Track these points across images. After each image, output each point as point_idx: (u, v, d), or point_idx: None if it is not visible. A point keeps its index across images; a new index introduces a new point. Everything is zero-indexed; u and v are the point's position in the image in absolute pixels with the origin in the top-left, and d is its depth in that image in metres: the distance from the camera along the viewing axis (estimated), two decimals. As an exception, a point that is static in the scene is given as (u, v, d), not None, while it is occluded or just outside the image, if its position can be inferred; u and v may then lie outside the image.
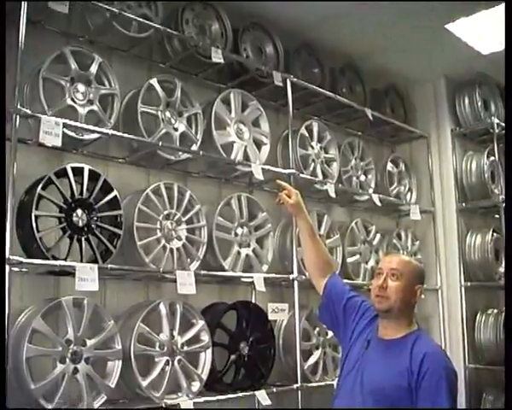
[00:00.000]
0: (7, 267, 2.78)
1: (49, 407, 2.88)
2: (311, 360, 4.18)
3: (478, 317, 5.40)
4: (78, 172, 3.16)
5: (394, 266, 2.77)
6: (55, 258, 3.04)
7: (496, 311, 5.39)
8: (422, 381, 2.58)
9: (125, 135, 3.40)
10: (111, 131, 3.31)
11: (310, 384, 4.09)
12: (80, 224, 3.12)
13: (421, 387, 2.58)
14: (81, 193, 3.16)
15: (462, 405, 5.18)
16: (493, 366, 5.25)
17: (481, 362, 5.33)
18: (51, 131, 3.00)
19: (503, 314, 5.19)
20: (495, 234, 5.36)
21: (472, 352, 5.31)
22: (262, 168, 3.97)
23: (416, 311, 2.89)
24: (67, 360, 2.98)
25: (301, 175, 4.25)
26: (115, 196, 3.28)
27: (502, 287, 5.24)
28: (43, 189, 2.99)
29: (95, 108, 3.33)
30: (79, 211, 3.13)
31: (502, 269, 5.32)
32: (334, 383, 4.09)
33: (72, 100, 3.26)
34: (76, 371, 3.00)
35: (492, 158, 5.45)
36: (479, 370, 5.32)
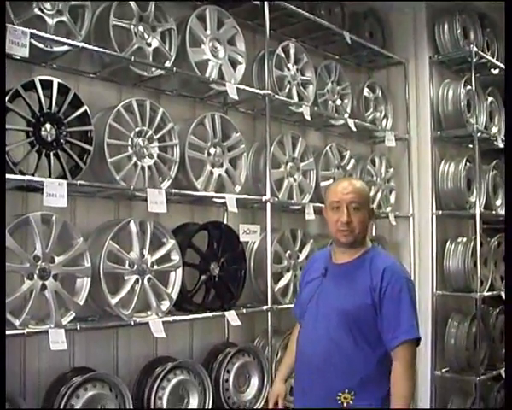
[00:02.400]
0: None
1: (17, 322, 2.86)
2: (282, 283, 4.21)
3: (448, 245, 5.46)
4: (46, 85, 3.06)
5: (354, 198, 2.80)
6: (22, 173, 2.96)
7: (465, 239, 5.45)
8: (385, 295, 2.68)
9: (96, 48, 3.28)
10: (81, 44, 3.19)
11: (280, 306, 4.13)
12: (49, 138, 3.03)
13: (384, 300, 2.68)
14: (50, 107, 3.06)
15: (428, 329, 5.31)
16: (459, 293, 5.36)
17: (448, 289, 5.43)
18: (18, 41, 2.88)
19: (472, 244, 5.25)
20: (468, 163, 5.38)
21: (440, 279, 5.39)
22: (237, 88, 3.89)
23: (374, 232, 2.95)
24: (35, 276, 2.95)
25: (276, 96, 4.17)
26: (85, 111, 3.18)
27: (472, 216, 5.30)
28: (9, 101, 2.89)
29: (64, 19, 3.20)
30: (48, 125, 3.03)
31: (473, 199, 5.37)
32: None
33: (40, 10, 3.12)
34: (44, 287, 2.97)
35: (469, 87, 5.41)
36: (446, 296, 5.41)
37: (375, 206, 5.01)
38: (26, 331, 2.89)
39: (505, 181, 4.79)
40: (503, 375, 5.53)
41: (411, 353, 2.69)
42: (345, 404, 2.70)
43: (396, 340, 2.66)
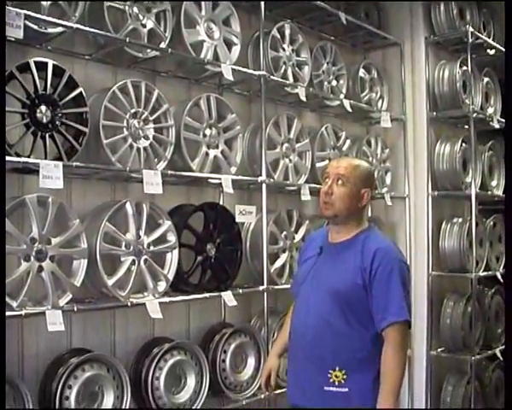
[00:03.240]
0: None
1: (14, 304, 2.87)
2: (278, 264, 4.22)
3: (443, 225, 5.47)
4: (41, 67, 3.05)
5: (340, 171, 2.81)
6: (18, 155, 2.96)
7: (461, 220, 5.47)
8: (375, 276, 2.68)
9: (91, 30, 3.27)
10: (76, 25, 3.18)
11: (276, 287, 4.15)
12: (44, 120, 3.03)
13: (374, 281, 2.68)
14: (45, 89, 3.05)
15: (424, 310, 5.34)
16: (455, 273, 5.38)
17: (444, 269, 5.46)
18: (12, 22, 2.87)
19: (468, 225, 5.27)
20: (464, 144, 5.38)
21: (436, 259, 5.41)
22: (232, 69, 3.88)
23: (369, 213, 2.95)
24: (32, 258, 2.95)
25: (272, 77, 4.17)
26: (80, 92, 3.18)
27: (468, 197, 5.32)
28: (4, 83, 2.90)
29: (59, -1, 3.20)
30: (43, 107, 3.03)
31: (468, 179, 5.37)
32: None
33: (34, -10, 3.12)
34: (41, 269, 2.98)
35: (465, 68, 5.40)
36: (441, 277, 5.44)
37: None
38: (23, 313, 2.90)
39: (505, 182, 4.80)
40: (498, 355, 5.60)
41: (401, 334, 2.68)
42: (336, 382, 2.71)
43: (385, 321, 2.66)
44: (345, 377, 2.71)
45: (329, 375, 2.73)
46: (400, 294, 2.67)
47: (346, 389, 2.71)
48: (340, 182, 2.79)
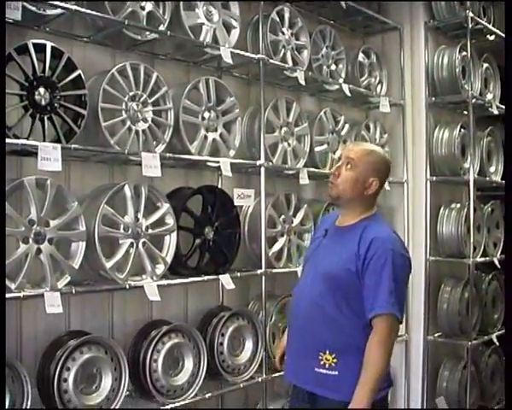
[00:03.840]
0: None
1: (13, 286, 2.88)
2: (276, 247, 4.22)
3: (441, 211, 5.47)
4: (40, 49, 3.04)
5: (351, 155, 2.82)
6: (16, 137, 2.96)
7: (459, 205, 5.47)
8: (368, 265, 2.66)
9: (90, 12, 3.25)
10: (74, 7, 3.15)
11: (274, 270, 4.16)
12: (43, 102, 3.02)
13: (367, 270, 2.66)
14: (43, 71, 3.04)
15: (421, 295, 5.36)
16: (452, 258, 5.39)
17: (442, 255, 5.46)
18: (10, 3, 2.87)
19: (466, 210, 5.28)
20: (462, 130, 5.37)
21: (433, 244, 5.42)
22: (231, 52, 3.86)
23: (378, 202, 2.93)
24: (30, 240, 2.96)
25: (271, 61, 4.16)
26: (79, 74, 3.17)
27: (466, 182, 5.32)
28: (2, 64, 2.88)
29: (57, -19, 3.18)
30: (42, 89, 3.02)
31: (467, 165, 5.37)
32: (298, 269, 4.20)
33: (33, -27, 3.10)
34: (39, 251, 2.99)
35: (464, 53, 5.38)
36: (439, 262, 5.45)
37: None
38: (21, 295, 2.91)
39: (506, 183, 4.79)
40: (495, 340, 5.62)
41: (388, 326, 2.64)
42: (327, 365, 2.73)
43: (372, 312, 2.64)
44: (335, 360, 2.72)
45: (320, 357, 2.75)
46: (390, 287, 2.63)
47: (336, 373, 2.72)
48: (348, 166, 2.80)
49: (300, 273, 3.02)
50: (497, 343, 5.71)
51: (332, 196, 2.88)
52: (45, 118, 3.04)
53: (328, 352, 2.73)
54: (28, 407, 2.93)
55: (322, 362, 2.74)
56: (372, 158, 2.84)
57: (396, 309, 2.64)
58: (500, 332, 5.76)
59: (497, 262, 5.64)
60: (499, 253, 5.81)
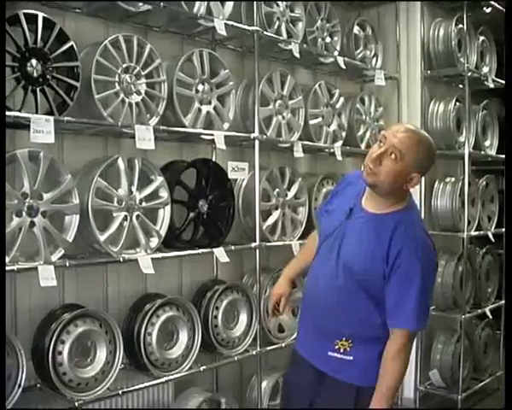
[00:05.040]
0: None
1: (6, 259, 2.87)
2: (270, 221, 4.22)
3: (436, 184, 5.48)
4: (31, 19, 2.99)
5: (398, 145, 2.45)
6: (8, 109, 2.92)
7: (453, 179, 5.47)
8: (396, 272, 2.47)
9: (82, -18, 3.23)
10: (66, -22, 3.14)
11: (268, 244, 4.16)
12: (35, 74, 2.98)
13: (394, 276, 2.48)
14: (35, 42, 3.00)
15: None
16: (447, 232, 5.40)
17: (436, 228, 5.47)
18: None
19: (460, 184, 5.28)
20: (458, 103, 5.36)
21: (428, 218, 5.43)
22: (225, 24, 3.82)
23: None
24: (24, 213, 2.95)
25: (265, 33, 4.12)
26: (72, 46, 3.12)
27: (461, 156, 5.32)
28: (-7, 36, 2.85)
29: (48, -50, 3.14)
30: (34, 61, 2.98)
31: (462, 138, 5.37)
32: (293, 243, 4.20)
33: None
34: (33, 224, 2.97)
35: (460, 26, 5.35)
36: (433, 235, 5.41)
37: (363, 145, 5.00)
38: (15, 268, 2.90)
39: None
40: (488, 313, 5.66)
41: (407, 338, 2.50)
42: (341, 350, 2.62)
43: (394, 323, 2.51)
44: (351, 345, 2.61)
45: (335, 342, 2.64)
46: (418, 299, 2.46)
47: (351, 358, 2.62)
48: (392, 156, 2.45)
49: (319, 246, 2.77)
50: (491, 317, 5.75)
51: (369, 181, 2.53)
52: (37, 90, 3.00)
53: (344, 339, 2.62)
54: (23, 380, 2.94)
55: (336, 347, 2.64)
56: (420, 150, 2.49)
57: (420, 323, 2.53)
58: (493, 306, 5.80)
59: (491, 236, 5.66)
60: (493, 227, 5.83)
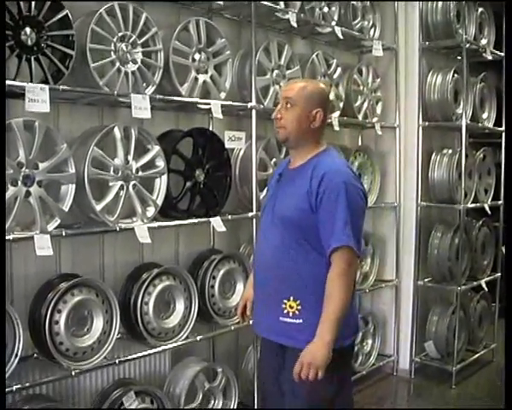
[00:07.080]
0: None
1: (2, 229, 2.87)
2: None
3: (433, 156, 5.47)
4: (25, -13, 2.97)
5: (288, 94, 2.77)
6: (2, 78, 2.91)
7: (451, 151, 5.46)
8: (321, 200, 2.61)
9: (77, -51, 3.19)
10: None
11: (265, 213, 4.15)
12: (29, 43, 2.95)
13: (320, 206, 2.62)
14: (29, 10, 2.97)
15: (412, 240, 5.39)
16: (443, 204, 5.40)
17: (433, 200, 5.47)
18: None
19: (457, 156, 5.27)
20: (456, 75, 5.34)
21: (425, 190, 5.43)
22: (222, -8, 3.80)
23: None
24: (19, 182, 2.93)
25: (262, 2, 4.08)
26: (66, 14, 3.09)
27: (458, 128, 5.30)
28: (-14, 4, 2.81)
29: None
30: (28, 29, 2.95)
31: (459, 110, 5.35)
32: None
33: None
34: (28, 194, 2.96)
35: (459, -4, 5.32)
36: (430, 207, 5.47)
37: (360, 116, 4.99)
38: (11, 237, 2.90)
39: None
40: (483, 285, 5.69)
41: (345, 259, 2.58)
42: (291, 313, 2.69)
43: (329, 248, 2.59)
44: (299, 307, 2.67)
45: (284, 305, 2.70)
46: (345, 219, 2.58)
47: (301, 321, 2.67)
48: (288, 105, 2.74)
49: (260, 221, 2.96)
50: (486, 289, 5.78)
51: (281, 138, 2.82)
52: (32, 58, 2.98)
53: (292, 298, 2.68)
54: (20, 350, 2.94)
55: (285, 311, 2.70)
56: (308, 91, 2.76)
57: (352, 241, 2.58)
58: (489, 278, 5.82)
59: (487, 208, 5.66)
60: (490, 199, 5.84)
